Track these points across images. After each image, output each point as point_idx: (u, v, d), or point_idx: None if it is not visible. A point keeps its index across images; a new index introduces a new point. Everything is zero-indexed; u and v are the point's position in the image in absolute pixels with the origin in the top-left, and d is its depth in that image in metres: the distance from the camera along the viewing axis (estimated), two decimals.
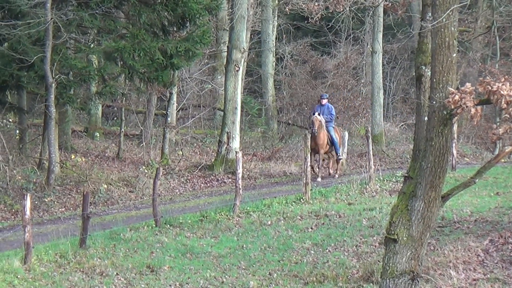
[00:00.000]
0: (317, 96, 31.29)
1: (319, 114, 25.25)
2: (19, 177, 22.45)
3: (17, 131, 27.35)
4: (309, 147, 22.09)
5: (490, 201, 19.78)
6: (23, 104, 26.51)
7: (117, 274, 14.77)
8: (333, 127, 25.82)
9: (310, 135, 23.32)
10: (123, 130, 29.43)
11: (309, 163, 21.57)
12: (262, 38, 37.21)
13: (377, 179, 23.59)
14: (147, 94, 30.54)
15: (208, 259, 15.83)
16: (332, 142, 25.58)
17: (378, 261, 14.31)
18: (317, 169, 25.54)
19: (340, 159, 26.20)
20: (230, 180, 25.61)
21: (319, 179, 25.01)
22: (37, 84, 24.80)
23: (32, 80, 23.38)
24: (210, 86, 36.18)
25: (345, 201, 20.98)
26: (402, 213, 10.64)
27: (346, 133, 28.46)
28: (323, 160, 25.89)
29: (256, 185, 24.98)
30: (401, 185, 12.81)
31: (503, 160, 21.98)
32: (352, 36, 41.30)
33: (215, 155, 27.83)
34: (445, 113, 10.17)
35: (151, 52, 23.24)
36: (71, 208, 21.60)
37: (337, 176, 25.82)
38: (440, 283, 13.63)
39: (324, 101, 26.08)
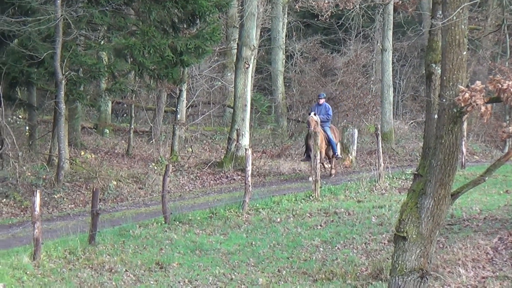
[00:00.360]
0: (327, 93, 31.26)
1: (315, 114, 25.12)
2: (29, 174, 22.49)
3: (27, 128, 27.38)
4: (318, 144, 22.12)
5: (499, 199, 19.74)
6: (33, 100, 26.55)
7: (126, 270, 14.80)
8: (329, 126, 25.72)
9: (307, 134, 23.39)
10: (132, 127, 29.47)
11: (318, 161, 21.58)
12: (272, 35, 37.23)
13: (386, 176, 23.57)
14: (157, 91, 30.59)
15: (217, 256, 15.84)
16: (329, 142, 25.53)
17: (387, 258, 14.31)
18: (326, 167, 25.65)
19: (339, 157, 26.16)
20: (239, 177, 25.62)
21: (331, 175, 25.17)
22: (47, 81, 24.85)
23: (42, 76, 23.41)
24: (220, 83, 36.17)
25: (355, 198, 20.97)
26: (411, 210, 10.62)
27: (356, 131, 28.42)
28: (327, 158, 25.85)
29: (265, 182, 24.98)
30: (411, 182, 12.80)
31: None
32: (362, 33, 41.22)
33: (225, 152, 27.85)
34: (455, 111, 10.15)
35: (161, 49, 23.28)
36: (81, 205, 21.63)
37: (333, 173, 25.76)
38: (449, 281, 13.61)
39: (322, 101, 25.94)
